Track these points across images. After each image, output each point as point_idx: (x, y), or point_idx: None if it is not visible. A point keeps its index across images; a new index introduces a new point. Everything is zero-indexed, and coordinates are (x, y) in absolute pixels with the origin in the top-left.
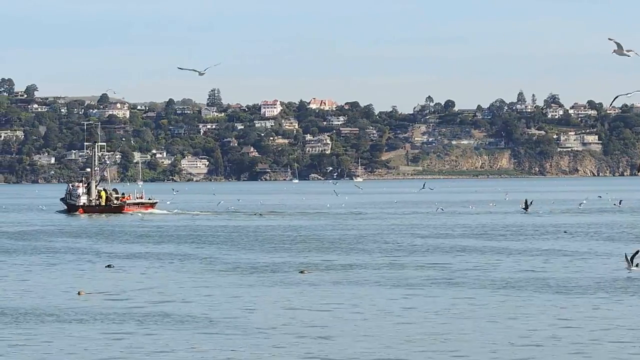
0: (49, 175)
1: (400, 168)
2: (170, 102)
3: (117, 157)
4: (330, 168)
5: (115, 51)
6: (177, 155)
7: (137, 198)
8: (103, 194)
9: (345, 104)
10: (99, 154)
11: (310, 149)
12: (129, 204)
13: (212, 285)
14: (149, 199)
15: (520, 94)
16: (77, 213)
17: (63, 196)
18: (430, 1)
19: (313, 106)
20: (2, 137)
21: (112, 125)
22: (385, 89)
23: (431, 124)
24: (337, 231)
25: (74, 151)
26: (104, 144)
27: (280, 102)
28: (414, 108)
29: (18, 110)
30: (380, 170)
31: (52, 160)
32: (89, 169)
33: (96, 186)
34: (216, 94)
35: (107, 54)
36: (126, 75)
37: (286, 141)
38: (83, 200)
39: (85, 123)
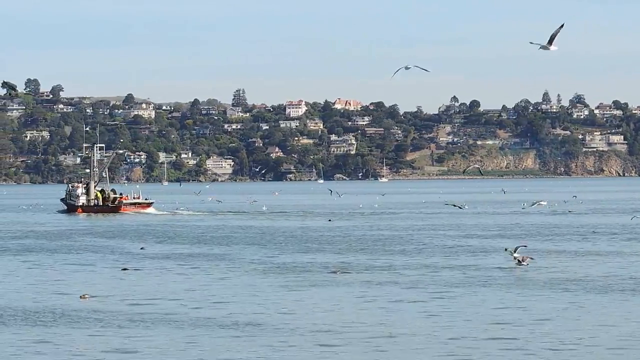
0: (74, 175)
1: (425, 168)
2: (195, 102)
3: (114, 157)
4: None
5: (140, 51)
6: (202, 155)
7: (133, 198)
8: (100, 194)
9: (370, 104)
10: (98, 155)
11: (335, 149)
12: (125, 204)
13: (246, 286)
14: (146, 199)
15: (546, 94)
16: (76, 213)
17: (63, 197)
18: (457, 1)
19: (338, 106)
20: (28, 138)
21: (137, 125)
22: (410, 89)
23: (456, 124)
24: (376, 231)
25: (100, 152)
26: (103, 145)
27: (305, 102)
28: (439, 108)
29: (44, 111)
30: (405, 170)
31: (78, 161)
32: (88, 170)
33: (95, 186)
34: (241, 94)
35: (133, 54)
36: (151, 75)
37: (311, 141)
38: (82, 200)
39: (84, 124)
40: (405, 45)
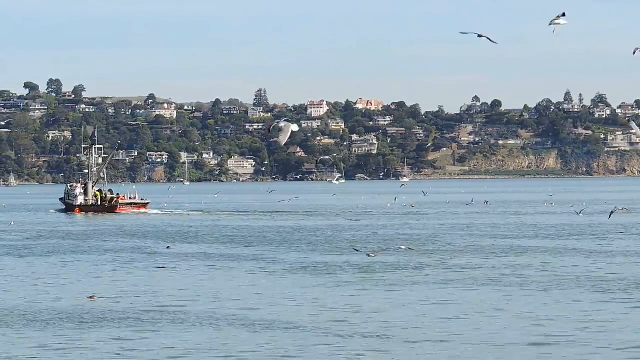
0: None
1: (447, 168)
2: (217, 102)
3: (112, 158)
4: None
5: (162, 51)
6: (224, 155)
7: (130, 198)
8: (98, 194)
9: (392, 103)
10: (96, 156)
11: (357, 149)
12: (121, 204)
13: (269, 285)
14: (142, 199)
15: (568, 93)
16: (74, 212)
17: (62, 196)
18: (479, 2)
19: (359, 106)
20: (51, 138)
21: (159, 125)
22: (431, 88)
23: (478, 124)
24: (409, 230)
25: (121, 151)
26: (101, 146)
27: (326, 102)
28: (461, 108)
29: (66, 111)
30: (426, 170)
31: (100, 161)
32: (86, 170)
33: (93, 187)
34: (262, 94)
35: (155, 54)
36: (173, 75)
37: (332, 141)
38: (80, 200)
39: (83, 126)
40: (425, 45)
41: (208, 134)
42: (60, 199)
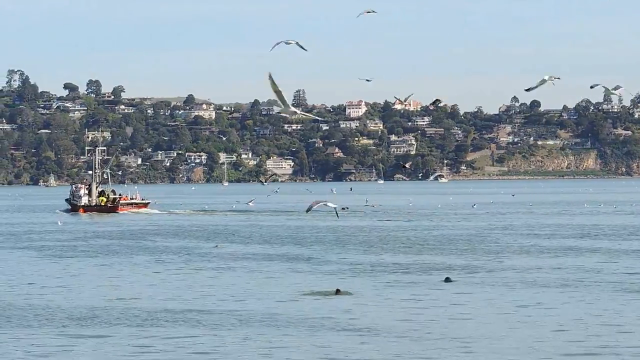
0: (135, 176)
1: (486, 168)
2: (255, 102)
3: (114, 159)
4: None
5: (201, 52)
6: (262, 155)
7: (131, 198)
8: (102, 195)
9: (430, 104)
10: (100, 158)
11: (395, 150)
12: (122, 204)
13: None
14: (142, 200)
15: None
16: (78, 212)
17: (68, 197)
18: (516, 2)
19: (398, 106)
20: (90, 138)
21: (197, 126)
22: (470, 89)
23: (517, 124)
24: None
25: (160, 152)
26: (105, 148)
27: (365, 102)
28: (500, 108)
29: (105, 112)
30: (465, 170)
31: (139, 161)
32: (90, 172)
33: (97, 187)
34: (301, 95)
35: (194, 55)
36: (212, 75)
37: (371, 142)
38: (84, 200)
39: (87, 131)
40: (465, 45)
41: (247, 135)
42: (66, 200)
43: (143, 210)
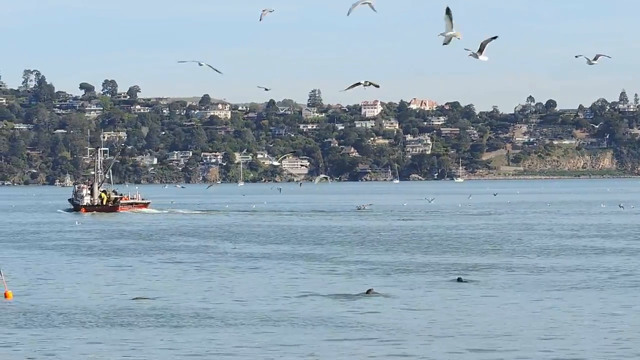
0: (151, 176)
1: (501, 168)
2: (271, 102)
3: (115, 161)
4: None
5: (216, 52)
6: (278, 155)
7: (131, 198)
8: (104, 195)
9: (446, 104)
10: (102, 158)
11: (411, 149)
12: (122, 204)
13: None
14: (142, 199)
15: (623, 93)
16: (80, 212)
17: (71, 197)
18: (534, 2)
19: (413, 106)
20: (106, 138)
21: (213, 126)
22: (486, 88)
23: (532, 124)
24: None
25: (176, 152)
26: (107, 148)
27: (380, 102)
28: (515, 108)
29: (121, 112)
30: (481, 170)
31: (155, 161)
32: (92, 172)
33: (99, 187)
34: (317, 95)
35: (209, 55)
36: (227, 75)
37: (386, 141)
38: (86, 200)
39: (89, 131)
40: (478, 45)
41: (262, 135)
42: (69, 200)
43: (143, 210)
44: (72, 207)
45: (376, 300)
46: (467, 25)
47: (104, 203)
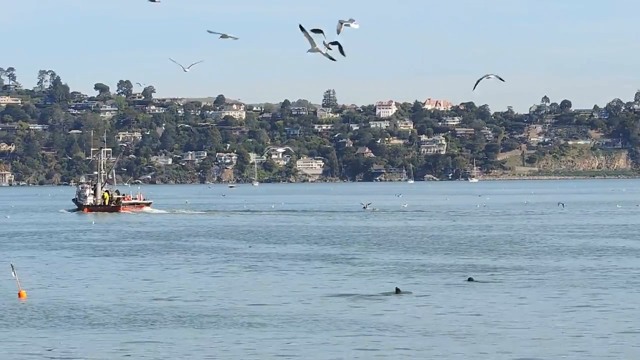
0: (165, 176)
1: (516, 169)
2: (285, 103)
3: (118, 161)
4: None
5: (230, 52)
6: (293, 155)
7: (133, 199)
8: (106, 195)
9: (461, 104)
10: (105, 159)
11: (425, 150)
12: (124, 204)
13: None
14: (144, 200)
15: (638, 93)
16: (83, 212)
17: (74, 197)
18: (549, 2)
19: (428, 106)
20: (121, 139)
21: (228, 126)
22: (501, 89)
23: (547, 124)
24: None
25: (191, 152)
26: (110, 149)
27: (395, 102)
28: (530, 108)
29: (136, 112)
30: (495, 170)
31: (169, 162)
32: (96, 172)
33: (102, 188)
34: (331, 95)
35: (224, 55)
36: (242, 76)
37: (401, 142)
38: (90, 200)
39: (93, 131)
40: (493, 45)
41: (277, 135)
42: (73, 200)
43: (145, 209)
44: (76, 207)
45: (407, 298)
46: (478, 26)
47: (106, 203)
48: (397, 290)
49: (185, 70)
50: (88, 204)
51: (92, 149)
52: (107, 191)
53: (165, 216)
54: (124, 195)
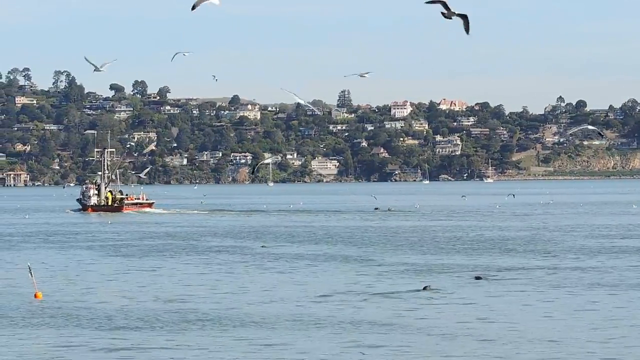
0: (180, 176)
1: (531, 169)
2: (300, 103)
3: (121, 161)
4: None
5: (245, 53)
6: (308, 156)
7: (136, 199)
8: (109, 195)
9: (476, 104)
10: (109, 159)
11: (440, 150)
12: (127, 204)
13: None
14: (146, 200)
15: None
16: (87, 212)
17: (79, 197)
18: (562, 2)
19: (443, 107)
20: (136, 139)
21: (242, 126)
22: (516, 89)
23: (562, 124)
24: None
25: (206, 152)
26: (113, 150)
27: (410, 102)
28: (545, 108)
29: (151, 112)
30: (510, 171)
31: (184, 162)
32: (100, 172)
33: (106, 188)
34: (346, 95)
35: (238, 56)
36: (257, 76)
37: (416, 142)
38: (93, 200)
39: (94, 132)
40: (509, 46)
41: (292, 135)
42: (77, 200)
43: (148, 210)
44: (81, 207)
45: (433, 295)
46: (493, 23)
47: (110, 203)
48: (425, 288)
49: (99, 70)
50: (92, 204)
51: (95, 150)
52: (110, 191)
53: (162, 216)
54: (127, 195)
